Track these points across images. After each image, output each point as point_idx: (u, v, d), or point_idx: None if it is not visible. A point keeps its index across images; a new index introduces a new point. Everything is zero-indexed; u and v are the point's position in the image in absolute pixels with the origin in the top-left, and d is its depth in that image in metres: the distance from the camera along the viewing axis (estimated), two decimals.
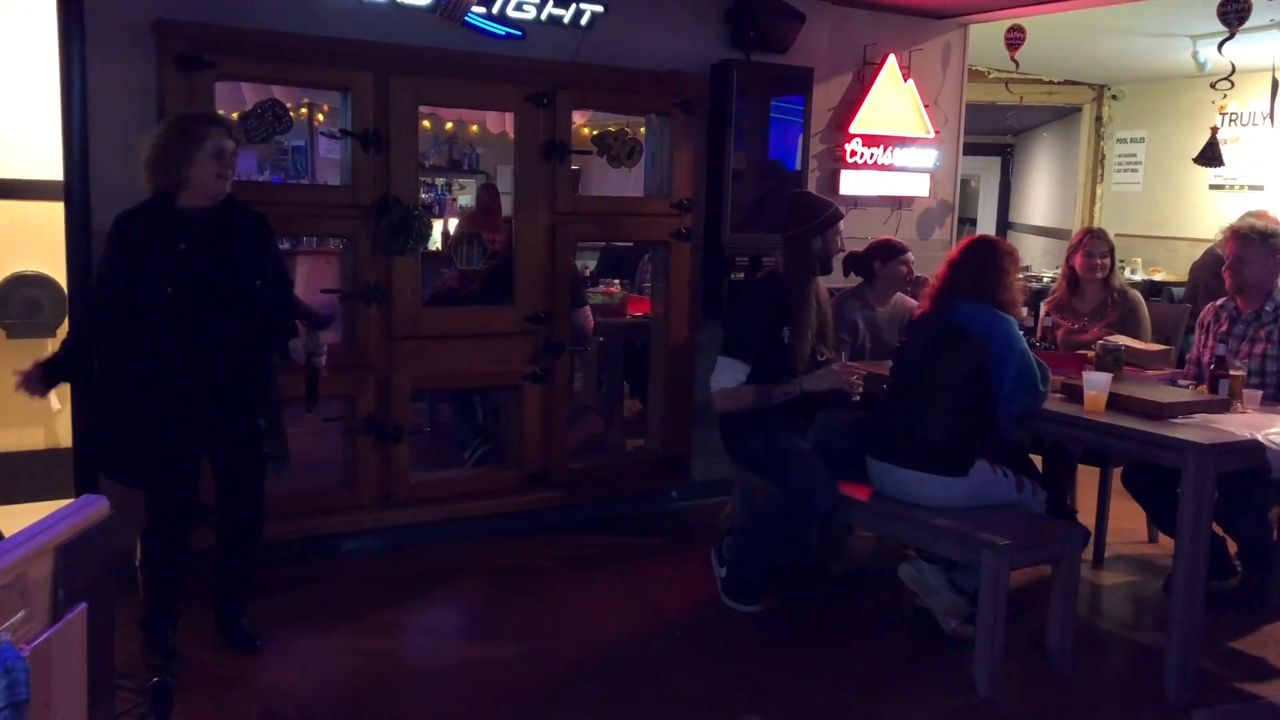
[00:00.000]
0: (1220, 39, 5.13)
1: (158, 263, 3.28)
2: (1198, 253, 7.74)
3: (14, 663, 0.91)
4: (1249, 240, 4.09)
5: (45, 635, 0.98)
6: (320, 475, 4.98)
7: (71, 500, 1.10)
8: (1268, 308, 4.09)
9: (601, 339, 6.28)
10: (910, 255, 4.94)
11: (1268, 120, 7.91)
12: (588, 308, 5.66)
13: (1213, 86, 5.72)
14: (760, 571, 4.05)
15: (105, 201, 3.81)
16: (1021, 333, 3.72)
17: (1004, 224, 12.18)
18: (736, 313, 4.18)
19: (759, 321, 4.04)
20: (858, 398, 4.08)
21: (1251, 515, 3.86)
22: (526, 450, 4.88)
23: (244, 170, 9.28)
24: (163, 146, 3.30)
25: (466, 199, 11.33)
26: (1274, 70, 5.57)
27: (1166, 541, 4.75)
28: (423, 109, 4.68)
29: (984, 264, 3.77)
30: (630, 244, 7.14)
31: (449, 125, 10.08)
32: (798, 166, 5.36)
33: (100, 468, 3.62)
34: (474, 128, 10.28)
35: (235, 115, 6.39)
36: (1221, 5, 4.88)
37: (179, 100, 3.91)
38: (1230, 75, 5.26)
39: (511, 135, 9.76)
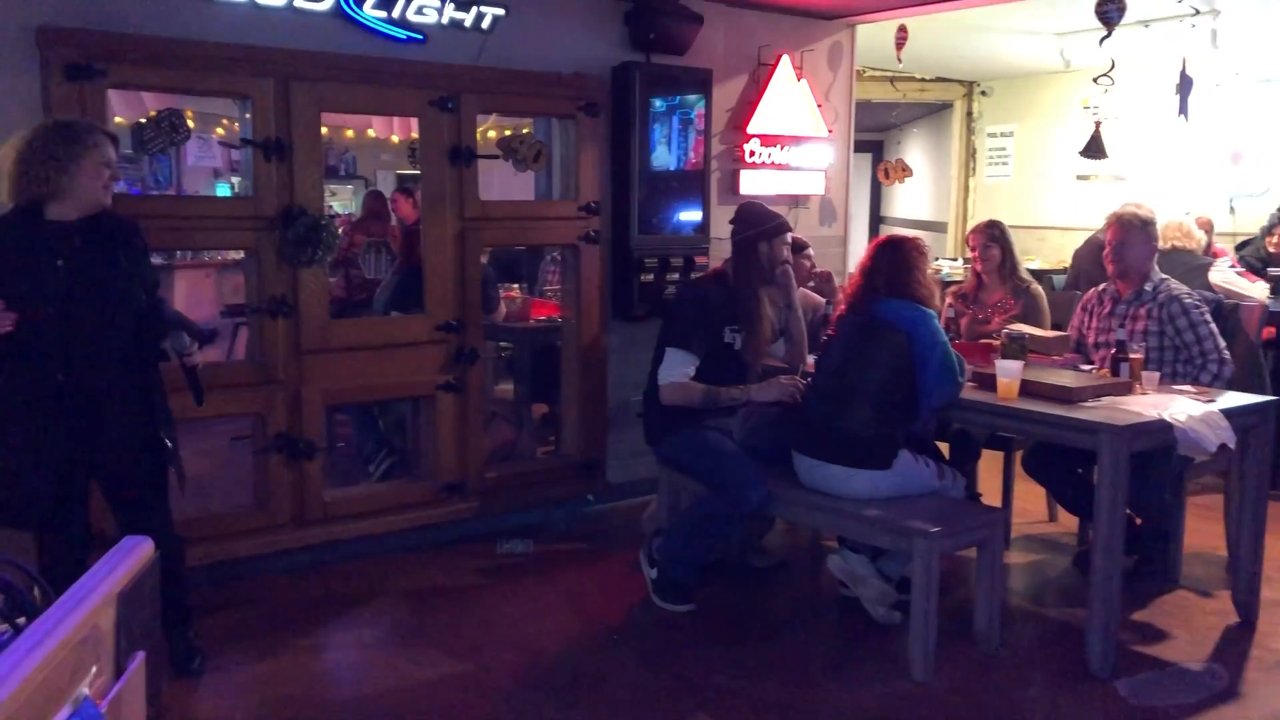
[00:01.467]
0: (1082, 35, 5.36)
1: (35, 282, 3.07)
2: (1068, 241, 8.12)
3: None
4: (1131, 226, 4.31)
5: (116, 689, 0.92)
6: (227, 497, 4.82)
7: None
8: (1146, 288, 4.31)
9: (507, 345, 6.23)
10: (812, 250, 5.06)
11: (1131, 113, 8.34)
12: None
13: (1094, 81, 6.00)
14: (691, 570, 4.08)
15: None
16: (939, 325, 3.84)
17: (876, 219, 12.53)
18: (685, 306, 4.18)
19: (707, 315, 4.07)
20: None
21: (1154, 491, 4.05)
22: (442, 461, 4.80)
23: None
24: (45, 153, 3.05)
25: (340, 206, 11.10)
26: (1183, 65, 5.88)
27: (1067, 519, 4.98)
28: None
29: (895, 263, 3.87)
30: (523, 247, 7.10)
31: (324, 130, 9.82)
32: (700, 167, 5.41)
33: None
34: (349, 132, 10.06)
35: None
36: (1100, 4, 5.12)
37: (69, 111, 3.71)
38: (1110, 70, 5.53)
39: (395, 139, 9.63)
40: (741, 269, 4.13)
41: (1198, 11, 5.59)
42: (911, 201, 11.61)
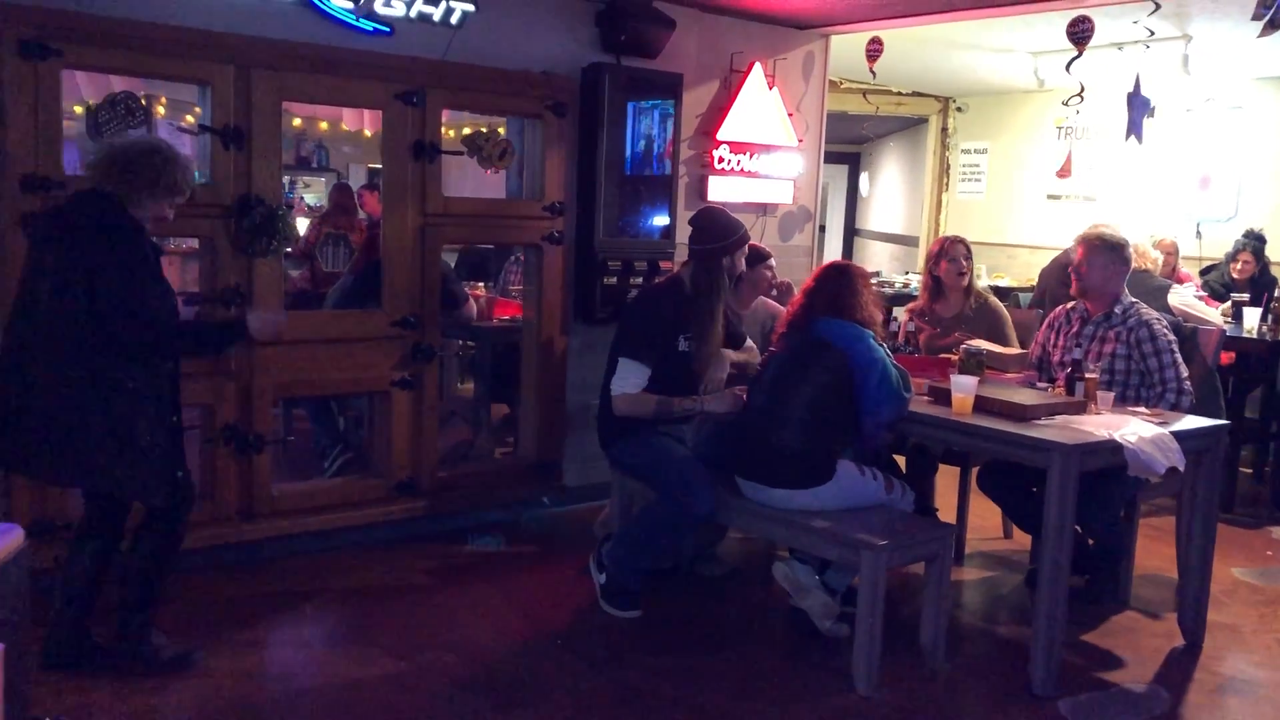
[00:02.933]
0: (1056, 55, 5.35)
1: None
2: (1037, 259, 8.14)
3: None
4: (1095, 248, 4.32)
5: None
6: None
7: None
8: (1116, 310, 4.31)
9: (469, 344, 6.18)
10: (773, 261, 5.03)
11: (1103, 134, 8.38)
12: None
13: (1065, 104, 6.01)
14: (640, 577, 4.05)
15: None
16: (880, 344, 3.81)
17: (851, 230, 12.56)
18: (640, 315, 4.14)
19: (662, 325, 4.03)
20: None
21: (1105, 512, 4.05)
22: (395, 458, 4.75)
23: (69, 163, 8.74)
24: (156, 170, 3.22)
25: (314, 198, 11.00)
26: (1136, 86, 5.89)
27: (1021, 537, 4.96)
28: None
29: (838, 288, 3.86)
30: (491, 246, 7.06)
31: (297, 122, 9.74)
32: (668, 172, 5.38)
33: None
34: (324, 124, 9.99)
35: (78, 108, 6.03)
36: (1070, 26, 5.13)
37: (23, 90, 3.67)
38: (1081, 93, 5.53)
39: (368, 133, 9.55)
40: (703, 281, 4.08)
41: (1152, 33, 5.59)
42: (885, 215, 11.63)
